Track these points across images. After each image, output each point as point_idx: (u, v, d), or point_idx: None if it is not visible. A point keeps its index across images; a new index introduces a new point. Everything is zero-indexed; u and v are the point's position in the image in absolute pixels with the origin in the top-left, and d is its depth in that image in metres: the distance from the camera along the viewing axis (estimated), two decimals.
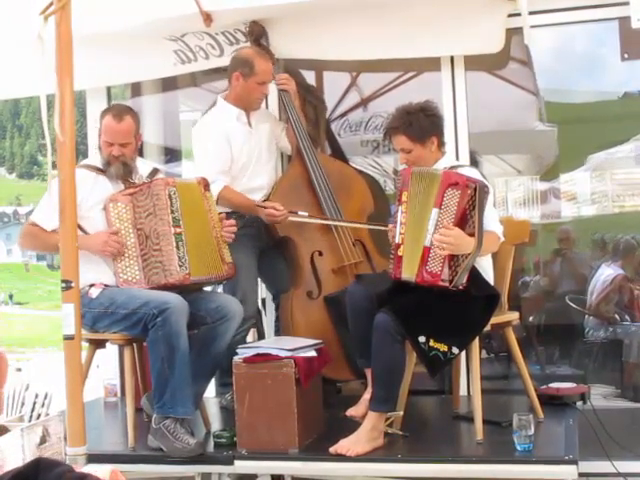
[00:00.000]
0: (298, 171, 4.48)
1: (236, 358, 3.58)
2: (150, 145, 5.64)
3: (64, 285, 3.03)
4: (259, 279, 4.53)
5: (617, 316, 5.79)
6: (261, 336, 4.64)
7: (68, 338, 3.02)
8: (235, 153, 4.27)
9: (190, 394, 3.58)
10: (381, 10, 4.34)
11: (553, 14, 4.36)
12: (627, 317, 5.80)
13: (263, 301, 4.89)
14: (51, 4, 2.99)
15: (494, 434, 3.56)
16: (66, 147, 3.02)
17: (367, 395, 3.68)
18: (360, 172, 4.96)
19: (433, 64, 4.63)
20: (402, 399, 3.61)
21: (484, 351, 5.13)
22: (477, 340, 3.56)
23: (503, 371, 5.38)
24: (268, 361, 3.54)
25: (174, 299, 3.53)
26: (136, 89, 5.63)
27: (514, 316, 3.83)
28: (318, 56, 4.71)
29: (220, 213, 3.92)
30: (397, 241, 3.52)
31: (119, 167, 3.79)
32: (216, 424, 4.02)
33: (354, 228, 4.44)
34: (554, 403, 3.95)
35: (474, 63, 4.59)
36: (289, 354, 3.54)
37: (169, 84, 5.58)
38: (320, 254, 4.39)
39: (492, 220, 3.54)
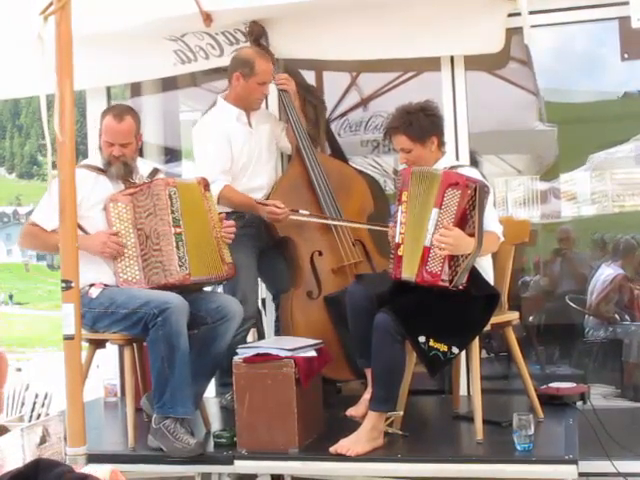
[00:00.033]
0: (298, 171, 4.48)
1: (236, 358, 3.58)
2: (150, 145, 5.64)
3: (64, 285, 3.03)
4: (259, 279, 4.53)
5: (617, 316, 5.80)
6: (261, 336, 4.64)
7: (68, 338, 3.03)
8: (235, 153, 4.27)
9: (190, 394, 3.58)
10: (381, 10, 4.34)
11: (553, 14, 4.36)
12: (627, 317, 5.80)
13: (263, 301, 4.89)
14: (51, 4, 2.99)
15: (494, 434, 3.56)
16: (66, 147, 3.02)
17: (367, 395, 3.68)
18: (360, 172, 4.96)
19: (433, 64, 4.62)
20: (402, 399, 3.61)
21: (484, 351, 5.13)
22: (477, 340, 3.56)
23: (503, 371, 5.38)
24: (268, 361, 3.54)
25: (174, 299, 3.53)
26: (136, 89, 5.63)
27: (514, 316, 3.83)
28: (318, 56, 4.71)
29: (220, 213, 3.92)
30: (397, 241, 3.52)
31: (119, 167, 3.79)
32: (216, 424, 4.02)
33: (354, 228, 4.44)
34: (554, 403, 3.95)
35: (474, 63, 4.59)
36: (289, 354, 3.54)
37: (169, 84, 5.58)
38: (320, 254, 4.39)
39: (492, 220, 3.54)
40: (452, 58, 4.52)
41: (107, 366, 4.88)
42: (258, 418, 3.52)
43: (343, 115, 5.82)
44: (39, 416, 2.84)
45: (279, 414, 3.50)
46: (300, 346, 3.64)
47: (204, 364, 3.71)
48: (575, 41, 5.97)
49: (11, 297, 39.68)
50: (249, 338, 4.43)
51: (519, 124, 6.33)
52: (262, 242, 4.39)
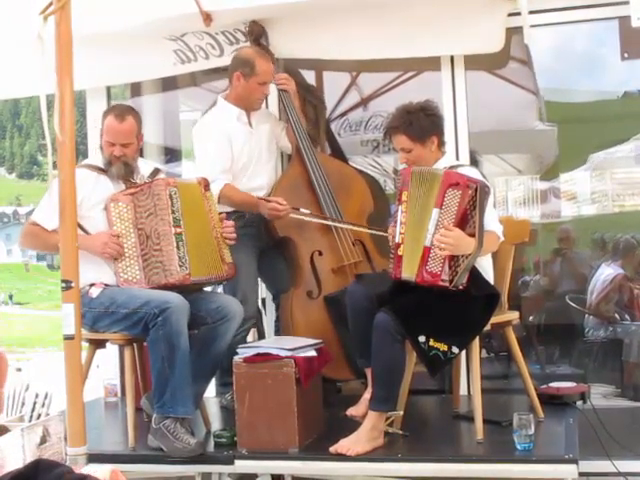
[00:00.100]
0: (298, 171, 4.48)
1: (236, 358, 3.58)
2: (150, 145, 5.64)
3: (64, 285, 3.03)
4: (259, 279, 4.53)
5: (617, 315, 5.80)
6: (261, 336, 4.64)
7: (68, 338, 3.03)
8: (235, 153, 4.27)
9: (190, 394, 3.58)
10: (381, 10, 4.34)
11: (553, 13, 4.36)
12: (627, 316, 5.80)
13: (263, 301, 4.89)
14: (51, 4, 3.00)
15: (494, 433, 3.56)
16: (66, 147, 3.02)
17: (367, 395, 3.68)
18: (360, 172, 4.96)
19: (433, 64, 4.62)
20: (402, 399, 3.61)
21: (484, 350, 5.13)
22: (477, 340, 3.56)
23: (503, 370, 5.38)
24: (268, 361, 3.54)
25: (175, 298, 3.53)
26: (136, 89, 5.62)
27: (514, 316, 3.83)
28: (318, 56, 4.71)
29: (220, 213, 3.92)
30: (397, 241, 3.52)
31: (120, 167, 3.79)
32: (216, 424, 4.02)
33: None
34: (554, 402, 3.95)
35: (474, 63, 4.59)
36: (289, 354, 3.54)
37: (169, 84, 5.58)
38: (320, 254, 4.39)
39: (492, 220, 3.54)
40: (452, 58, 4.52)
41: (107, 366, 4.88)
42: (258, 418, 3.52)
43: (343, 115, 5.82)
44: (39, 416, 2.85)
45: (279, 414, 3.50)
46: (300, 346, 3.64)
47: (204, 364, 3.71)
48: (575, 41, 5.98)
49: (11, 297, 39.69)
50: (249, 338, 4.43)
51: (519, 124, 6.33)
52: (262, 242, 4.39)
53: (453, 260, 3.38)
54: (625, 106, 6.66)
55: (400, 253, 3.49)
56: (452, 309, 3.43)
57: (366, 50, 4.52)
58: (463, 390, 4.30)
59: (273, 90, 4.54)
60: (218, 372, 4.02)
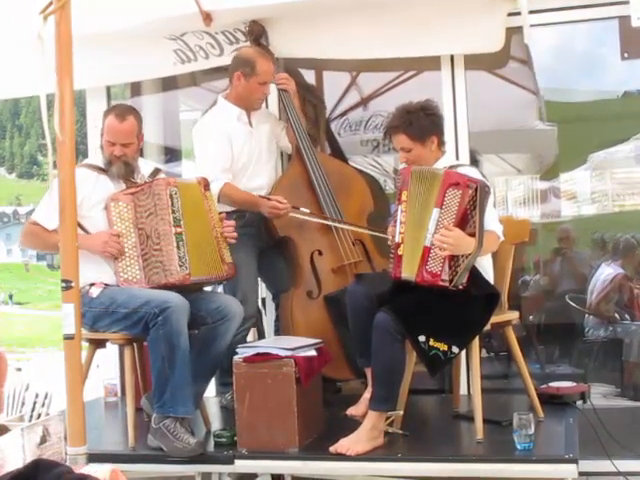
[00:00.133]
0: (298, 170, 4.48)
1: (236, 357, 3.58)
2: (150, 145, 5.64)
3: (64, 285, 3.03)
4: (259, 279, 4.53)
5: (617, 315, 5.80)
6: (261, 336, 4.65)
7: (68, 338, 3.02)
8: (236, 153, 4.26)
9: (190, 393, 3.58)
10: (381, 9, 4.34)
11: (553, 13, 4.35)
12: (627, 316, 5.80)
13: (263, 301, 4.89)
14: (50, 3, 2.99)
15: (494, 433, 3.56)
16: (66, 147, 3.02)
17: (367, 394, 3.68)
18: (360, 171, 4.96)
19: (433, 63, 4.62)
20: (402, 398, 3.61)
21: (484, 350, 5.14)
22: (477, 339, 3.56)
23: (503, 370, 5.38)
24: (268, 360, 3.54)
25: (175, 298, 3.53)
26: (136, 89, 5.62)
27: (514, 315, 3.83)
28: (318, 55, 4.71)
29: (221, 213, 3.92)
30: (397, 240, 3.51)
31: (121, 167, 3.79)
32: (216, 423, 4.02)
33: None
34: (554, 402, 3.95)
35: (474, 62, 4.59)
36: (289, 353, 3.54)
37: (169, 84, 5.58)
38: (320, 253, 4.39)
39: (492, 220, 3.54)
40: (452, 57, 4.52)
41: (107, 366, 4.88)
42: (258, 418, 3.52)
43: (343, 114, 5.82)
44: (39, 416, 2.85)
45: (279, 413, 3.50)
46: (300, 345, 3.64)
47: (204, 364, 3.71)
48: (575, 40, 5.98)
49: (11, 297, 39.70)
50: (249, 337, 4.43)
51: (519, 123, 6.33)
52: (262, 242, 4.39)
53: (453, 260, 3.38)
54: (625, 106, 6.66)
55: (400, 253, 3.49)
56: (452, 309, 3.43)
57: (366, 50, 4.51)
58: (463, 390, 4.30)
59: (273, 90, 4.54)
60: (218, 372, 4.02)
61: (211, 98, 4.69)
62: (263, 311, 4.88)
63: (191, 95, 5.87)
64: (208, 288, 4.06)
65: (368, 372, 3.69)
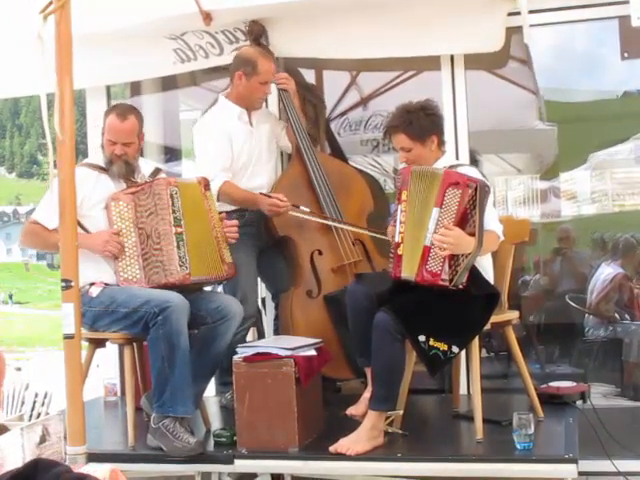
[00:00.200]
0: (298, 170, 4.48)
1: (236, 357, 3.58)
2: (150, 144, 5.64)
3: (64, 284, 3.03)
4: (258, 278, 4.53)
5: (617, 315, 5.80)
6: (261, 335, 4.64)
7: (68, 337, 3.02)
8: (236, 152, 4.27)
9: (190, 393, 3.58)
10: (381, 9, 4.34)
11: (553, 13, 4.35)
12: (627, 316, 5.80)
13: (263, 300, 4.89)
14: (50, 3, 2.99)
15: (494, 433, 3.56)
16: (66, 146, 3.02)
17: (367, 394, 3.68)
18: (360, 171, 4.96)
19: (433, 63, 4.62)
20: (402, 398, 3.61)
21: (484, 350, 5.14)
22: (477, 339, 3.55)
23: (503, 370, 5.38)
24: (268, 360, 3.54)
25: (175, 298, 3.53)
26: (136, 88, 5.62)
27: (514, 315, 3.83)
28: (318, 55, 4.71)
29: (221, 213, 3.92)
30: (397, 240, 3.51)
31: (121, 166, 3.79)
32: (216, 423, 4.01)
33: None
34: (554, 402, 3.95)
35: (474, 62, 4.59)
36: (289, 353, 3.54)
37: (169, 83, 5.58)
38: (320, 253, 4.39)
39: (492, 219, 3.53)
40: (452, 57, 4.52)
41: (107, 365, 4.88)
42: (258, 417, 3.52)
43: (343, 114, 5.82)
44: (39, 415, 2.84)
45: (279, 413, 3.49)
46: (300, 345, 3.64)
47: (204, 364, 3.71)
48: (575, 40, 5.98)
49: (11, 296, 39.71)
50: (249, 337, 4.43)
51: (519, 123, 6.33)
52: (262, 241, 4.39)
53: (453, 259, 3.38)
54: (625, 106, 6.66)
55: (400, 252, 3.49)
56: (452, 308, 3.43)
57: (366, 49, 4.51)
58: (463, 389, 4.31)
59: (273, 90, 4.53)
60: (218, 371, 4.01)
61: (211, 98, 4.70)
62: (263, 311, 4.88)
63: (191, 95, 5.87)
64: (208, 288, 4.06)
65: (368, 372, 3.69)
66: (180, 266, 3.60)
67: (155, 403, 3.57)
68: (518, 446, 3.32)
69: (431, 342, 3.41)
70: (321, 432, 3.70)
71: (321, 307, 4.30)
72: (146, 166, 4.00)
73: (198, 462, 3.53)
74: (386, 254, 3.72)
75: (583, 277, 6.12)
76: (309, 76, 5.41)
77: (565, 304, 5.94)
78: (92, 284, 3.69)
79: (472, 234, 3.35)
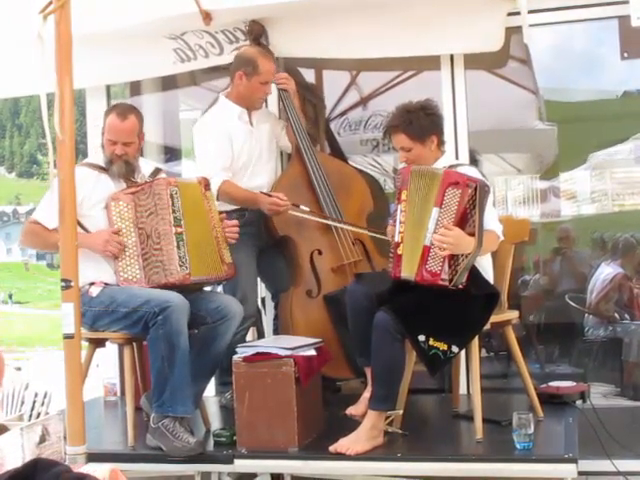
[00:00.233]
0: (297, 170, 4.48)
1: (236, 357, 3.58)
2: (150, 144, 5.63)
3: (64, 284, 3.03)
4: (258, 278, 4.53)
5: (617, 315, 5.80)
6: (261, 335, 4.64)
7: (68, 337, 3.03)
8: (236, 151, 4.27)
9: (190, 393, 3.58)
10: (381, 9, 4.34)
11: (552, 13, 4.35)
12: (627, 316, 5.80)
13: (263, 300, 4.89)
14: (50, 3, 3.00)
15: (494, 433, 3.56)
16: (66, 146, 3.02)
17: (367, 394, 3.68)
18: (359, 171, 4.96)
19: (433, 63, 4.62)
20: (402, 398, 3.61)
21: (484, 350, 5.13)
22: (477, 339, 3.56)
23: (503, 370, 5.38)
24: (268, 360, 3.54)
25: (175, 297, 3.53)
26: (136, 88, 5.62)
27: (514, 315, 3.83)
28: (318, 55, 4.71)
29: (221, 213, 3.92)
30: (396, 240, 3.51)
31: (121, 166, 3.79)
32: (216, 423, 4.01)
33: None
34: (554, 402, 3.95)
35: (474, 62, 4.59)
36: (289, 353, 3.54)
37: (169, 83, 5.58)
38: (320, 253, 4.39)
39: (491, 219, 3.54)
40: (452, 57, 4.52)
41: (107, 365, 4.88)
42: (258, 417, 3.52)
43: (343, 114, 5.81)
44: (39, 415, 2.85)
45: (279, 413, 3.50)
46: (300, 345, 3.64)
47: (204, 364, 3.71)
48: (574, 40, 5.97)
49: (11, 296, 39.71)
50: (249, 337, 4.43)
51: (519, 123, 6.33)
52: (262, 241, 4.39)
53: (453, 259, 3.38)
54: (625, 105, 6.65)
55: (400, 252, 3.49)
56: (452, 308, 3.43)
57: (366, 49, 4.51)
58: (463, 389, 4.31)
59: (273, 90, 4.53)
60: (218, 371, 4.01)
61: (211, 97, 4.70)
62: (263, 310, 4.88)
63: (191, 94, 5.87)
64: (208, 288, 4.06)
65: (368, 371, 3.69)
66: (180, 266, 3.60)
67: (155, 403, 3.56)
68: (518, 446, 3.32)
69: (431, 342, 3.41)
70: (321, 432, 3.70)
71: (321, 307, 4.30)
72: (146, 166, 4.00)
73: (198, 462, 3.53)
74: (386, 254, 3.72)
75: (583, 277, 6.12)
76: (309, 76, 5.41)
77: (565, 304, 5.93)
78: (92, 284, 3.69)
79: (472, 234, 3.36)
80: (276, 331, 4.52)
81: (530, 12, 4.11)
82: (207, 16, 4.42)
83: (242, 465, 3.54)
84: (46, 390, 2.93)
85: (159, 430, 3.53)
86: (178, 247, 3.62)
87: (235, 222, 3.92)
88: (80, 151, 3.43)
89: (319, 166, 4.45)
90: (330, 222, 4.38)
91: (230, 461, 3.52)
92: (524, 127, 6.39)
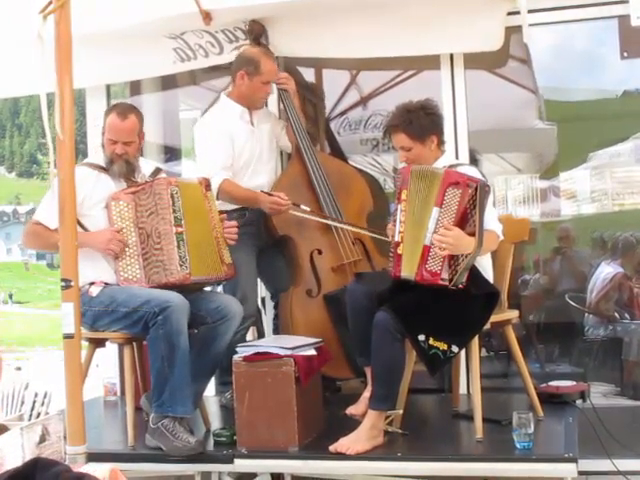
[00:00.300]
0: (297, 170, 4.48)
1: (236, 357, 3.58)
2: (150, 144, 5.63)
3: (64, 284, 3.03)
4: (258, 278, 4.52)
5: (617, 314, 5.80)
6: (261, 335, 4.64)
7: (68, 337, 3.03)
8: (237, 151, 4.27)
9: (190, 393, 3.58)
10: (381, 8, 4.34)
11: (552, 12, 4.35)
12: (627, 315, 5.80)
13: (263, 300, 4.89)
14: (50, 3, 3.00)
15: (494, 432, 3.56)
16: (65, 146, 3.03)
17: (367, 393, 3.68)
18: (359, 171, 4.96)
19: (433, 62, 4.62)
20: (402, 397, 3.61)
21: (484, 349, 5.13)
22: (477, 338, 3.55)
23: (503, 369, 5.38)
24: (268, 360, 3.54)
25: (175, 297, 3.53)
26: (136, 87, 5.62)
27: (514, 314, 3.83)
28: (318, 54, 4.71)
29: (221, 213, 3.92)
30: (396, 239, 3.51)
31: (122, 165, 3.79)
32: (216, 423, 4.01)
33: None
34: (554, 401, 3.95)
35: (473, 61, 4.59)
36: (289, 353, 3.54)
37: (169, 82, 5.58)
38: (320, 252, 4.39)
39: (491, 219, 3.53)
40: (451, 56, 4.52)
41: (107, 365, 4.88)
42: (258, 417, 3.52)
43: (343, 114, 5.81)
44: (39, 415, 2.85)
45: (279, 413, 3.50)
46: (300, 345, 3.64)
47: (204, 364, 3.71)
48: (574, 39, 5.97)
49: (11, 296, 39.71)
50: (249, 337, 4.43)
51: (519, 122, 6.33)
52: (262, 241, 4.39)
53: (453, 259, 3.38)
54: (624, 105, 6.65)
55: (400, 252, 3.49)
56: (452, 308, 3.43)
57: (366, 49, 4.51)
58: (463, 389, 4.31)
59: (273, 89, 4.53)
60: (218, 371, 4.02)
61: (211, 97, 4.70)
62: (263, 310, 4.88)
63: (191, 94, 5.87)
64: (208, 288, 4.06)
65: (368, 371, 3.68)
66: (180, 266, 3.60)
67: (154, 403, 3.56)
68: (518, 445, 3.32)
69: (431, 341, 3.41)
70: (321, 431, 3.70)
71: (321, 306, 4.30)
72: (146, 166, 4.00)
73: (198, 462, 3.53)
74: (386, 253, 3.72)
75: (583, 276, 6.12)
76: (309, 75, 5.41)
77: (565, 303, 5.93)
78: (92, 284, 3.69)
79: (472, 234, 3.35)
80: (276, 331, 4.52)
81: (530, 11, 4.10)
82: (207, 16, 4.42)
83: (242, 465, 3.54)
84: (46, 390, 2.93)
85: (159, 430, 3.53)
86: (178, 247, 3.62)
87: (234, 223, 3.92)
88: (80, 151, 3.43)
89: (319, 166, 4.45)
90: (330, 222, 4.38)
91: (230, 461, 3.52)
92: (524, 127, 6.39)
